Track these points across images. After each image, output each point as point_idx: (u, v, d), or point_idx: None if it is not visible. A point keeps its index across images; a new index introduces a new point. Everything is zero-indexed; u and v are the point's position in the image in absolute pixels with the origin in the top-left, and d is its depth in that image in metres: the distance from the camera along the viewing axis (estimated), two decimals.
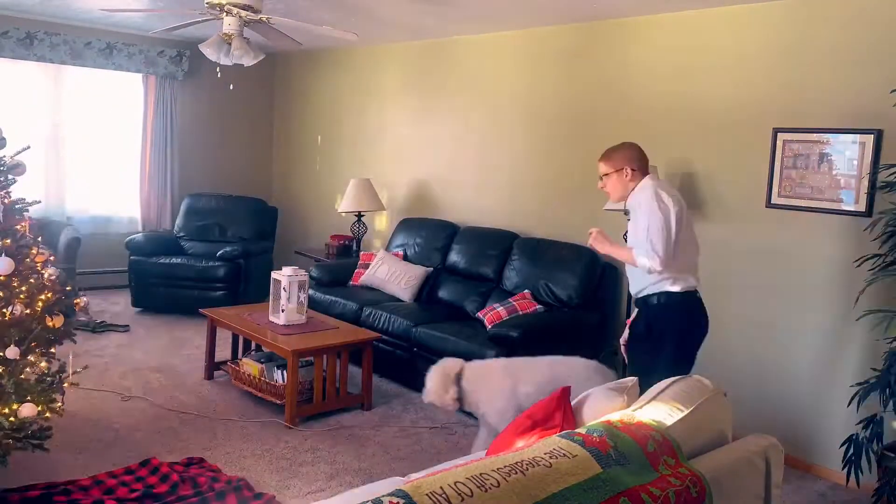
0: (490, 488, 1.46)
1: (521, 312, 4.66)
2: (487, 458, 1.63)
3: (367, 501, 1.40)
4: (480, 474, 1.50)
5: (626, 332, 3.43)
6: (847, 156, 3.81)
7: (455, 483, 1.45)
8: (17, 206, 3.30)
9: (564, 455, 1.67)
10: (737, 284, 4.29)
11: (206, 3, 4.05)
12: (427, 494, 1.40)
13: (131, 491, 3.25)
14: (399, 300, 5.42)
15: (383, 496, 1.40)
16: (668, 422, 1.98)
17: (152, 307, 6.45)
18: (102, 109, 7.11)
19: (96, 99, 7.05)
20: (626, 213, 3.53)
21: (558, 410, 2.23)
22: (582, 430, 1.86)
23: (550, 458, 1.64)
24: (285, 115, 8.08)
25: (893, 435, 3.51)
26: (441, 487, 1.43)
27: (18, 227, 3.29)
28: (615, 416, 1.96)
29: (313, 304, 5.46)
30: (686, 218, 3.28)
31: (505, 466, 1.56)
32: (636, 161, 3.38)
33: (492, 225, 5.68)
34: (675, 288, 3.18)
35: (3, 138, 3.29)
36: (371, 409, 4.52)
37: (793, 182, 4.03)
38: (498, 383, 3.55)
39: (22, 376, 3.19)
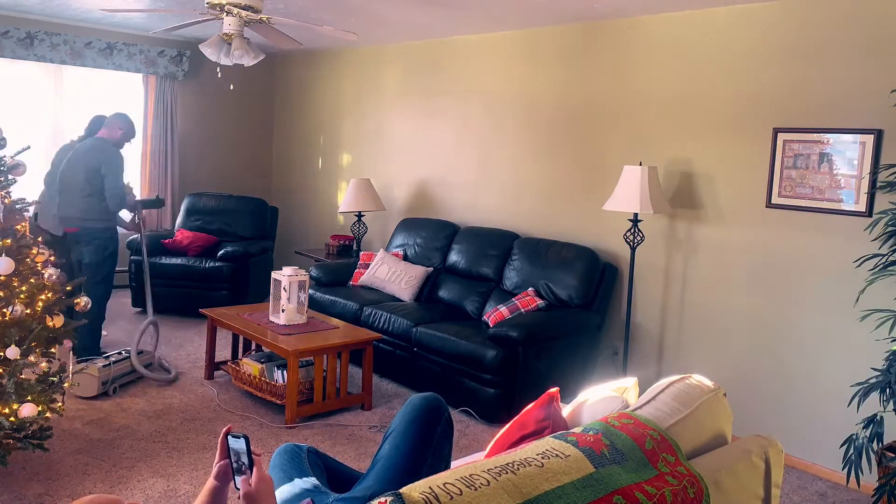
0: (479, 487, 1.47)
1: (522, 310, 4.67)
2: (478, 461, 1.64)
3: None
4: (470, 475, 1.50)
5: None
6: (847, 156, 3.81)
7: (444, 483, 1.45)
8: (17, 206, 3.31)
9: (557, 455, 1.67)
10: (737, 284, 4.29)
11: (207, 3, 4.05)
12: (418, 494, 1.41)
13: None
14: (399, 300, 5.42)
15: (376, 498, 1.41)
16: (668, 422, 1.97)
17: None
18: (103, 109, 7.10)
19: (96, 99, 7.06)
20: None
21: (545, 410, 2.23)
22: (577, 430, 1.85)
23: (542, 458, 1.64)
24: (285, 115, 8.09)
25: (894, 435, 3.51)
26: (430, 487, 1.43)
27: (18, 227, 3.29)
28: (613, 416, 1.96)
29: (313, 304, 5.47)
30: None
31: (496, 467, 1.56)
32: None
33: (492, 225, 5.68)
34: None
35: (3, 138, 3.30)
36: (371, 409, 4.52)
37: (793, 182, 4.03)
38: None
39: (22, 376, 3.19)
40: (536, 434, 2.15)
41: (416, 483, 1.47)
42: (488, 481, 1.49)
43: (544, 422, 2.19)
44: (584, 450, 1.72)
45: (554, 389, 2.34)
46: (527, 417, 2.25)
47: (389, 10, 5.10)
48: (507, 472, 1.54)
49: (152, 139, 7.31)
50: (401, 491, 1.41)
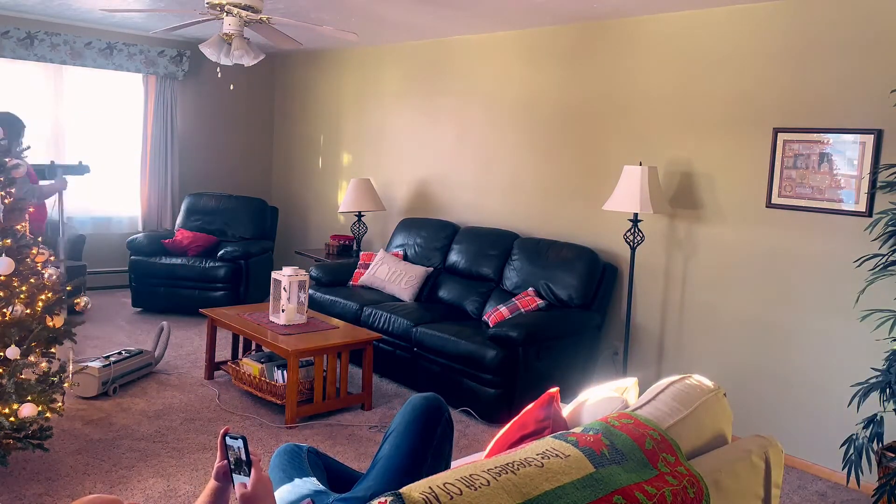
0: (479, 487, 1.46)
1: (522, 310, 4.67)
2: (479, 461, 1.64)
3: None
4: (470, 475, 1.50)
5: None
6: (847, 156, 3.81)
7: (444, 483, 1.45)
8: (17, 207, 3.31)
9: (557, 455, 1.67)
10: (737, 284, 4.29)
11: (207, 3, 4.05)
12: (418, 494, 1.41)
13: None
14: (399, 300, 5.42)
15: (377, 498, 1.41)
16: (668, 422, 1.97)
17: (152, 307, 6.46)
18: (103, 109, 7.12)
19: (96, 99, 7.06)
20: None
21: (545, 410, 2.23)
22: (577, 430, 1.85)
23: (543, 458, 1.64)
24: (285, 115, 8.09)
25: (894, 435, 3.51)
26: (430, 487, 1.43)
27: (18, 227, 3.29)
28: (613, 416, 1.96)
29: (313, 304, 5.47)
30: None
31: (496, 467, 1.56)
32: None
33: (492, 225, 5.68)
34: None
35: (4, 139, 3.30)
36: (371, 410, 4.52)
37: (793, 182, 4.03)
38: None
39: (22, 376, 3.19)
40: (536, 434, 2.15)
41: (416, 483, 1.47)
42: (488, 481, 1.49)
43: (544, 422, 2.19)
44: (585, 450, 1.72)
45: (554, 389, 2.34)
46: (527, 417, 2.25)
47: (389, 10, 5.10)
48: (507, 472, 1.54)
49: (152, 139, 7.31)
50: (401, 491, 1.41)
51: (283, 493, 2.12)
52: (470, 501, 1.42)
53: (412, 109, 6.46)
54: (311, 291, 5.56)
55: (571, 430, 1.87)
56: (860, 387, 3.35)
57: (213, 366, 4.89)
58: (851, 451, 3.33)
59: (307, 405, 4.28)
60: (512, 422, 2.31)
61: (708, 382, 2.20)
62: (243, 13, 4.06)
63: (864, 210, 3.74)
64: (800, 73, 3.99)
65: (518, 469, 1.57)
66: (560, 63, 5.25)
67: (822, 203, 3.91)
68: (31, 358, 3.25)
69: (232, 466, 1.63)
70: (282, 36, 4.49)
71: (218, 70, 5.09)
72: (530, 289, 4.88)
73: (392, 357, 4.99)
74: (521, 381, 4.33)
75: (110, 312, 6.41)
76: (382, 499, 1.38)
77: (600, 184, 4.96)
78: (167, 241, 6.57)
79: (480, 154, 5.86)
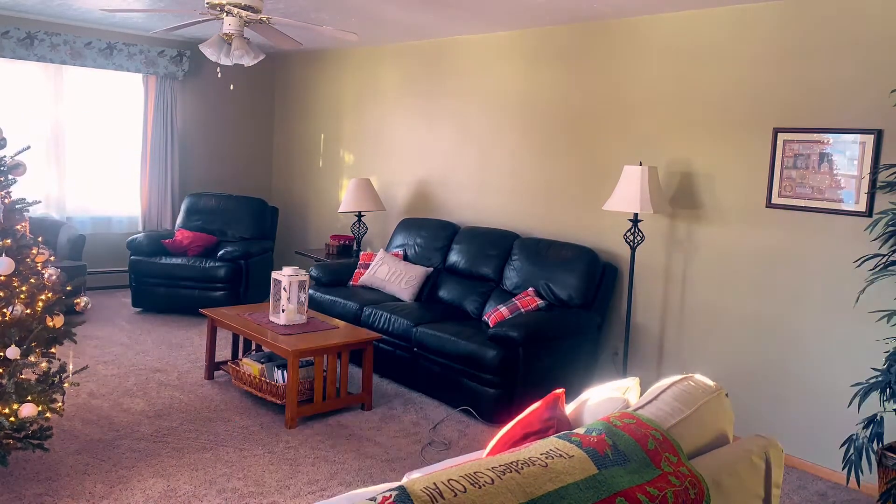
0: (483, 485, 1.47)
1: (522, 310, 4.67)
2: (484, 458, 1.64)
3: (364, 498, 1.41)
4: (474, 472, 1.51)
5: None
6: (847, 156, 3.81)
7: (448, 480, 1.45)
8: (17, 206, 3.31)
9: (561, 455, 1.67)
10: (737, 284, 4.29)
11: (207, 3, 4.05)
12: (421, 490, 1.41)
13: None
14: (399, 300, 5.42)
15: (378, 493, 1.41)
16: (670, 422, 1.97)
17: (152, 307, 6.46)
18: (103, 109, 7.12)
19: (97, 99, 7.06)
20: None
21: (550, 410, 2.23)
22: (580, 431, 1.85)
23: (546, 458, 1.64)
24: (285, 115, 8.09)
25: (894, 435, 3.51)
26: (434, 483, 1.43)
27: (18, 227, 3.29)
28: (615, 416, 1.96)
29: (313, 304, 5.46)
30: None
31: (500, 465, 1.56)
32: None
33: (492, 225, 5.68)
34: None
35: (4, 139, 3.30)
36: (371, 409, 4.52)
37: (793, 182, 4.03)
38: None
39: (22, 376, 3.19)
40: (540, 433, 2.15)
41: (419, 478, 1.47)
42: (492, 479, 1.49)
43: (549, 421, 2.19)
44: (588, 451, 1.72)
45: (560, 390, 2.34)
46: (532, 417, 2.26)
47: (389, 10, 5.10)
48: (511, 471, 1.54)
49: (152, 139, 7.31)
50: (404, 485, 1.41)
51: None
52: (474, 500, 1.42)
53: (412, 109, 6.46)
54: (311, 291, 5.56)
55: (575, 431, 1.87)
56: (860, 387, 3.35)
57: (213, 366, 4.89)
58: (851, 451, 3.33)
59: (307, 405, 4.28)
60: (515, 420, 2.31)
61: (709, 383, 2.20)
62: (243, 13, 4.05)
63: (864, 210, 3.74)
64: (800, 73, 3.99)
65: (522, 468, 1.57)
66: (560, 63, 5.25)
67: (822, 203, 3.91)
68: (31, 358, 3.24)
69: None
70: (282, 36, 4.49)
71: (218, 70, 5.08)
72: (530, 289, 4.88)
73: (392, 357, 4.99)
74: (521, 381, 4.33)
75: (110, 312, 6.41)
76: (387, 493, 1.38)
77: (600, 184, 4.96)
78: (167, 241, 6.57)
79: (480, 154, 5.86)
